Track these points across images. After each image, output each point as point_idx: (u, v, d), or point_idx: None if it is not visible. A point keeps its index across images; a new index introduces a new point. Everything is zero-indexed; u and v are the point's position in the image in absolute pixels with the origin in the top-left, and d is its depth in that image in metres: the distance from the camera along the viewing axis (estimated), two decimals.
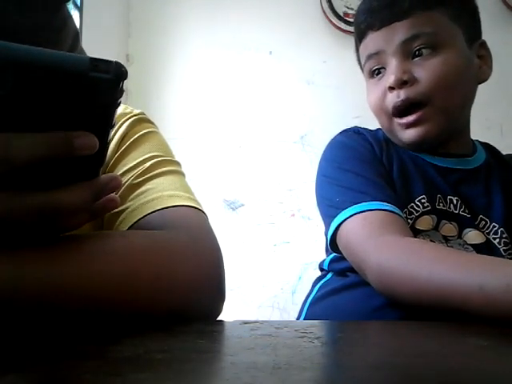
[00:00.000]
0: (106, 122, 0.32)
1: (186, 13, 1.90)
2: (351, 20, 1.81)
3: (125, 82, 0.30)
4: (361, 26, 0.73)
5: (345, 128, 0.77)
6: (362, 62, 0.75)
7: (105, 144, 0.32)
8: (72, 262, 0.33)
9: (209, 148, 1.82)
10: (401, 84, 0.66)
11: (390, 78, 0.67)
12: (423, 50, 0.67)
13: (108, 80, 0.29)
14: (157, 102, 1.80)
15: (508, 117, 1.77)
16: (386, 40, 0.69)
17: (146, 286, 0.36)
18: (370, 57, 0.72)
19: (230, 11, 1.88)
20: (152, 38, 1.89)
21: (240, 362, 0.25)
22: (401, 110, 0.67)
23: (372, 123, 0.79)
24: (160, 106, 1.80)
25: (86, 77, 0.28)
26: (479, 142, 0.81)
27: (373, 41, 0.71)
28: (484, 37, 0.75)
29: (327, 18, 1.85)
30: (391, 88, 0.67)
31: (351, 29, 1.81)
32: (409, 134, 0.68)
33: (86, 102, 0.30)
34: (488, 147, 0.81)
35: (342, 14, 1.83)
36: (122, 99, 0.32)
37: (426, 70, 0.66)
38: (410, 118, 0.67)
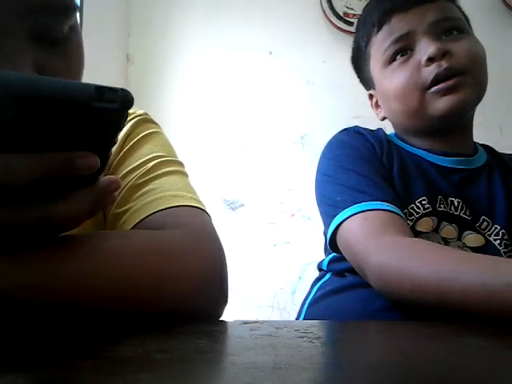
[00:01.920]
0: (108, 143, 0.32)
1: (186, 13, 1.90)
2: (351, 20, 1.81)
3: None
4: (385, 8, 0.73)
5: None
6: (383, 48, 0.73)
7: (106, 157, 0.32)
8: (72, 262, 0.33)
9: (209, 148, 1.81)
10: (442, 55, 0.67)
11: (428, 49, 0.68)
12: (453, 31, 0.70)
13: (113, 110, 0.28)
14: (157, 102, 1.80)
15: (507, 117, 1.77)
16: (417, 20, 0.70)
17: (147, 286, 0.36)
18: (398, 39, 0.71)
19: (230, 11, 1.88)
20: (152, 38, 1.89)
21: (240, 362, 0.25)
22: (442, 80, 0.68)
23: (372, 123, 0.79)
24: (160, 106, 1.79)
25: (91, 107, 0.28)
26: (478, 143, 0.81)
27: (401, 22, 0.71)
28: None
29: (327, 17, 1.85)
30: (430, 60, 0.68)
31: (351, 29, 1.81)
32: (445, 101, 0.67)
33: (91, 128, 0.29)
34: (487, 148, 0.81)
35: (341, 14, 1.83)
36: None
37: (460, 46, 0.69)
38: (450, 82, 0.67)
